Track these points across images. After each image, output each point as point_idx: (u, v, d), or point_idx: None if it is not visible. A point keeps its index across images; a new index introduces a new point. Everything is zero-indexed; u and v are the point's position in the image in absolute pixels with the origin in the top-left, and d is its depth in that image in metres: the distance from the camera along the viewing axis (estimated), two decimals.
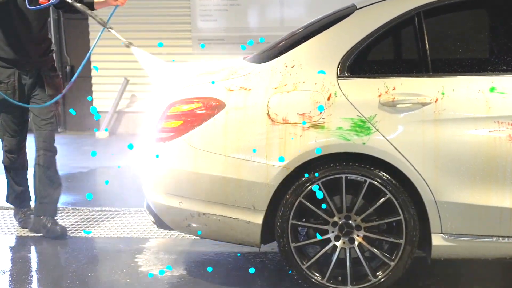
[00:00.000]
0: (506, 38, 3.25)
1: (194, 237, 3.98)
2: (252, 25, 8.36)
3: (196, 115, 3.28)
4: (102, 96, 8.51)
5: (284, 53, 3.37)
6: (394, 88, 3.17)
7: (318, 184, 3.20)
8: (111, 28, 4.03)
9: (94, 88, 8.60)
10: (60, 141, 5.27)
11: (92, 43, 7.98)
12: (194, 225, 3.36)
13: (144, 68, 3.72)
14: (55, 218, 4.35)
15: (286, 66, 3.31)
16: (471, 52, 3.30)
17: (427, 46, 3.20)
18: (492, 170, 3.08)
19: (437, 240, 3.16)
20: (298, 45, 3.37)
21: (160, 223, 3.51)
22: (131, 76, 8.37)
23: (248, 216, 3.26)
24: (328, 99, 3.19)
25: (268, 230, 3.31)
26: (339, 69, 3.25)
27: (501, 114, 3.09)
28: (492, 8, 3.33)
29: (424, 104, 3.14)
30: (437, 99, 3.13)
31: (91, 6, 4.21)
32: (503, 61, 3.18)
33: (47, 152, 4.26)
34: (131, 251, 4.06)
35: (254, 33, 8.10)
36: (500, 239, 3.11)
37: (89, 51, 4.35)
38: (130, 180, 5.20)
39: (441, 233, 3.15)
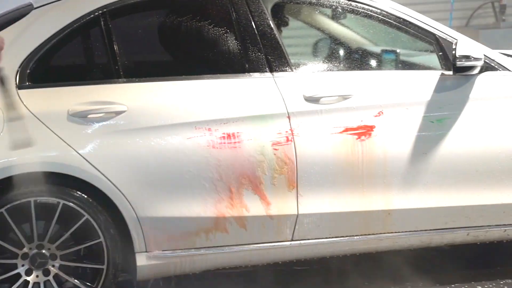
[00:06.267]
0: (193, 40, 3.58)
1: None
2: None
3: None
4: None
5: None
6: (83, 97, 3.33)
7: (2, 212, 3.22)
8: None
9: None
10: None
11: None
12: None
13: None
14: None
15: None
16: (163, 55, 3.60)
17: (116, 49, 3.41)
18: (193, 178, 3.39)
19: (141, 260, 3.38)
20: None
21: None
22: None
23: None
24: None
25: None
26: (18, 77, 3.30)
27: (198, 119, 3.41)
28: (180, 10, 3.63)
29: (117, 113, 3.34)
30: (131, 107, 3.36)
31: None
32: (193, 65, 3.52)
33: None
34: None
35: None
36: (202, 250, 3.44)
37: None
38: None
39: (146, 251, 3.39)
